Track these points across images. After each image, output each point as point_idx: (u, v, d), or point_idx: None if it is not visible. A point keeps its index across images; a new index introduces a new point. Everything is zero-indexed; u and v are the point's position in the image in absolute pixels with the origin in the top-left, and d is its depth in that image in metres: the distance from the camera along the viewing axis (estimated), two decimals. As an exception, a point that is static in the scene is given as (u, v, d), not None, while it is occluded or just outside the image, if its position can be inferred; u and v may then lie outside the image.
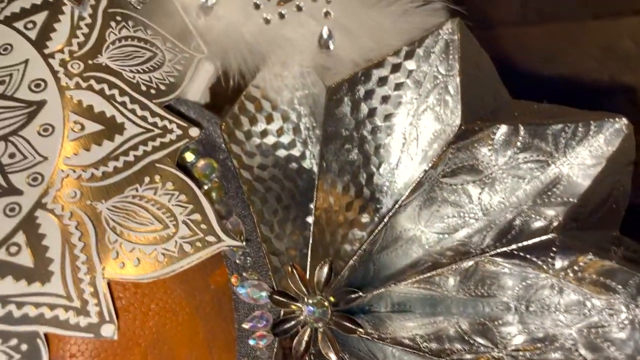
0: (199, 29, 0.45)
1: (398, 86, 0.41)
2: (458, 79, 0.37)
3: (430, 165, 0.37)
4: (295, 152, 0.44)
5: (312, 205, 0.42)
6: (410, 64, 0.41)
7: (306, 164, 0.44)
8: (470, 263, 0.35)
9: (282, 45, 0.44)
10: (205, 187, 0.41)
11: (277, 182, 0.43)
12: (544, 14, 0.61)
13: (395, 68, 0.41)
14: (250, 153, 0.43)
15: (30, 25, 0.38)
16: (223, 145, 0.43)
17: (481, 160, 0.37)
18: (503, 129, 0.36)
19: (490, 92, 0.40)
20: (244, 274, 0.40)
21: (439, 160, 0.37)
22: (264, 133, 0.44)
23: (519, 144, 0.37)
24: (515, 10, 0.61)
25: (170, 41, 0.42)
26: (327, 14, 0.43)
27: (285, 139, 0.44)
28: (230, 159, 0.42)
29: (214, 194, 0.41)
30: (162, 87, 0.40)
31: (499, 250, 0.35)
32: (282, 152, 0.44)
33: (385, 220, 0.37)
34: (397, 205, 0.37)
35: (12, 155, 0.34)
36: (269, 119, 0.44)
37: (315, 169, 0.44)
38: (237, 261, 0.40)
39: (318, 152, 0.42)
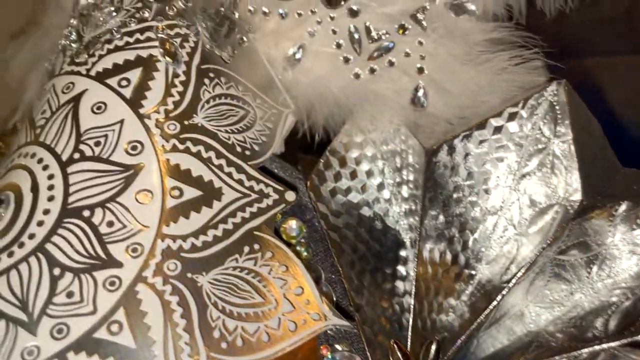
0: (285, 81, 0.43)
1: (499, 149, 0.39)
2: (572, 147, 0.35)
3: (547, 242, 0.35)
4: (380, 210, 0.42)
5: (400, 268, 0.40)
6: (512, 126, 0.38)
7: (390, 222, 0.42)
8: (597, 350, 0.32)
9: (372, 100, 0.42)
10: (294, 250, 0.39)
11: (363, 243, 0.41)
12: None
13: (497, 130, 0.38)
14: (336, 212, 0.41)
15: (124, 83, 0.36)
16: (309, 204, 0.41)
17: (597, 237, 0.35)
18: (625, 205, 0.34)
19: (601, 159, 0.37)
20: (335, 345, 0.38)
21: (556, 237, 0.35)
22: (348, 190, 0.42)
23: (638, 220, 0.34)
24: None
25: (259, 97, 0.40)
26: (420, 70, 0.41)
27: (370, 197, 0.42)
28: (317, 219, 0.40)
29: (302, 257, 0.39)
30: (256, 147, 0.38)
31: (628, 340, 0.33)
32: (366, 211, 0.42)
33: (498, 299, 0.35)
34: (510, 285, 0.35)
35: (110, 224, 0.33)
36: (353, 175, 0.42)
37: (399, 228, 0.42)
38: (328, 331, 0.38)
39: (412, 217, 0.40)
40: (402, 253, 0.41)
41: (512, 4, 0.41)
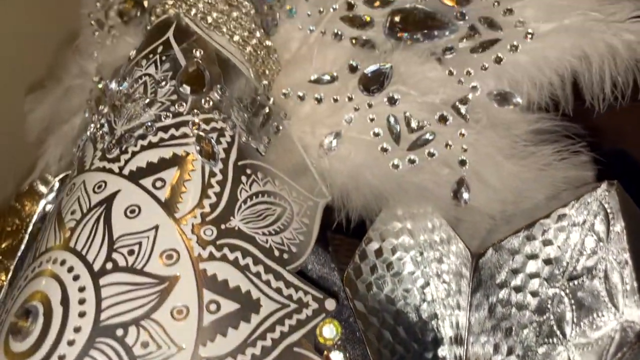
0: (321, 169, 0.41)
1: (548, 251, 0.37)
2: (629, 261, 0.33)
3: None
4: (417, 304, 0.40)
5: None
6: (561, 229, 0.36)
7: (428, 317, 0.40)
8: None
9: (411, 192, 0.40)
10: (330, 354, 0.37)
11: (402, 344, 0.39)
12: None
13: (546, 232, 0.36)
14: (373, 309, 0.39)
15: (159, 184, 0.34)
16: (345, 300, 0.39)
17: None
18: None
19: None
20: None
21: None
22: (385, 283, 0.40)
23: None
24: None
25: (295, 190, 0.38)
26: (462, 162, 0.39)
27: (406, 290, 0.40)
28: (355, 319, 0.38)
29: (340, 360, 0.37)
30: (293, 249, 0.36)
31: None
32: (403, 306, 0.40)
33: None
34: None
35: (145, 345, 0.30)
36: (390, 267, 0.40)
37: (438, 325, 0.40)
38: None
39: (452, 314, 0.38)
40: (441, 352, 0.39)
41: (558, 94, 0.39)
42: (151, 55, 0.38)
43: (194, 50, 0.38)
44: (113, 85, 0.40)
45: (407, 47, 0.41)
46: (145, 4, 0.53)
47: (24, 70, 0.72)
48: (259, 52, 0.41)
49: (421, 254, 0.40)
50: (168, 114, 0.36)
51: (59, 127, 0.58)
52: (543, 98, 0.39)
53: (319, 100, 0.42)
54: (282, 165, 0.40)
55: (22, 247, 0.55)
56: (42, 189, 0.60)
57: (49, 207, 0.56)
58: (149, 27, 0.42)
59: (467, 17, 0.41)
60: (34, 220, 0.57)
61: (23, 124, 0.65)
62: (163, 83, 0.37)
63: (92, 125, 0.39)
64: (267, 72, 0.42)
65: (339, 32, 0.43)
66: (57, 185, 0.55)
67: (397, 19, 0.42)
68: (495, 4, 0.41)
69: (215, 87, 0.37)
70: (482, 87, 0.40)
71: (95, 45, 0.57)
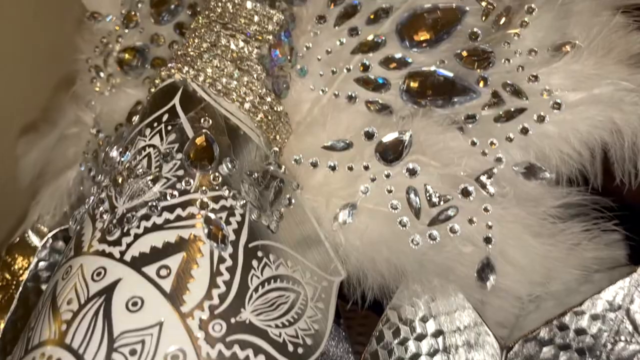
0: (334, 242, 0.38)
1: (580, 341, 0.34)
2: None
3: None
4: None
5: None
6: (595, 317, 0.34)
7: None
8: None
9: (432, 271, 0.37)
10: None
11: None
12: None
13: (579, 321, 0.34)
14: (392, 398, 0.36)
15: (163, 273, 0.31)
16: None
17: None
18: None
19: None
20: None
21: None
22: (403, 365, 0.37)
23: None
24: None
25: (309, 270, 0.36)
26: (487, 240, 0.37)
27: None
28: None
29: None
30: (308, 341, 0.33)
31: None
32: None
33: None
34: None
35: None
36: (407, 349, 0.37)
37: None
38: None
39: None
40: None
41: (587, 169, 0.37)
42: (156, 124, 0.36)
43: (202, 120, 0.35)
44: (114, 154, 0.37)
45: (427, 113, 0.39)
46: (147, 54, 0.51)
47: (17, 110, 0.69)
48: (270, 118, 0.38)
49: (443, 338, 0.37)
50: (174, 191, 0.33)
51: (53, 178, 0.55)
52: (572, 171, 0.37)
53: (333, 168, 0.39)
54: (294, 239, 0.37)
55: (12, 307, 0.52)
56: (35, 240, 0.57)
57: (41, 264, 0.53)
58: (153, 90, 0.39)
59: (489, 82, 0.39)
60: (25, 278, 0.54)
61: (14, 166, 0.62)
62: (169, 157, 0.34)
63: (92, 197, 0.36)
64: (278, 137, 0.39)
65: (354, 95, 0.41)
66: (50, 241, 0.52)
67: (414, 83, 0.40)
68: (520, 69, 0.38)
69: (225, 160, 0.35)
70: (507, 159, 0.37)
71: (93, 93, 0.54)
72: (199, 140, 0.34)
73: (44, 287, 0.53)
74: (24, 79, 0.68)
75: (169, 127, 0.35)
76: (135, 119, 0.38)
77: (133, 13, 0.52)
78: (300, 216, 0.38)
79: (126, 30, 0.52)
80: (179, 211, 0.33)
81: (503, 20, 0.40)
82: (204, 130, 0.35)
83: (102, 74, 0.53)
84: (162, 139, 0.35)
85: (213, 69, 0.37)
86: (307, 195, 0.39)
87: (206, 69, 0.37)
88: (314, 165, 0.39)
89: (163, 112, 0.36)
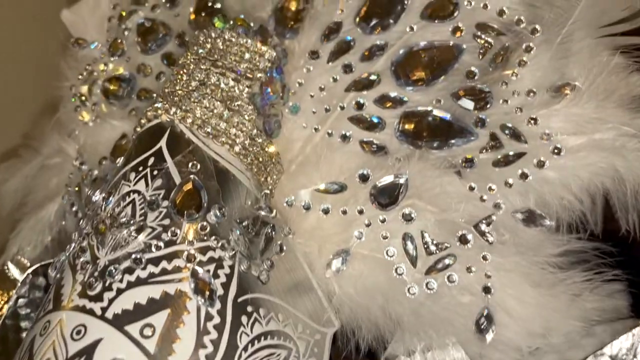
0: (327, 290, 0.37)
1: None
2: None
3: None
4: None
5: None
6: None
7: None
8: None
9: (428, 321, 0.35)
10: None
11: None
12: None
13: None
14: None
15: (147, 332, 0.29)
16: None
17: None
18: None
19: None
20: None
21: None
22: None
23: None
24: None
25: (301, 322, 0.34)
26: (486, 289, 0.35)
27: None
28: None
29: None
30: (301, 401, 0.31)
31: None
32: None
33: None
34: None
35: None
36: (404, 400, 0.36)
37: None
38: None
39: None
40: None
41: (588, 215, 0.36)
42: (141, 168, 0.34)
43: (189, 164, 0.34)
44: (97, 198, 0.35)
45: (423, 155, 0.37)
46: (134, 84, 0.49)
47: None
48: (260, 160, 0.37)
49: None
50: (159, 242, 0.31)
51: (34, 210, 0.53)
52: (573, 218, 0.36)
53: (326, 212, 0.37)
54: (285, 287, 0.35)
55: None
56: (15, 273, 0.55)
57: (21, 301, 0.51)
58: (138, 130, 0.37)
59: (487, 124, 0.38)
60: (4, 314, 0.51)
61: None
62: (154, 205, 0.32)
63: (73, 244, 0.34)
64: (268, 179, 0.38)
65: (348, 134, 0.39)
66: (30, 277, 0.50)
67: (410, 124, 0.38)
68: (518, 110, 0.37)
69: (213, 207, 0.33)
70: (506, 205, 0.36)
71: (77, 123, 0.52)
72: (187, 186, 0.33)
73: (23, 324, 0.50)
74: (5, 104, 0.65)
75: (155, 172, 0.33)
76: (120, 160, 0.36)
77: (119, 41, 0.50)
78: (291, 262, 0.36)
79: (112, 59, 0.51)
80: (164, 264, 0.31)
81: (501, 59, 0.39)
82: (191, 176, 0.33)
83: (87, 103, 0.51)
84: (147, 185, 0.33)
85: (202, 109, 0.35)
86: (299, 239, 0.37)
87: (195, 110, 0.35)
88: (306, 208, 0.37)
89: (149, 155, 0.34)
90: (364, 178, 0.37)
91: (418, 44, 0.40)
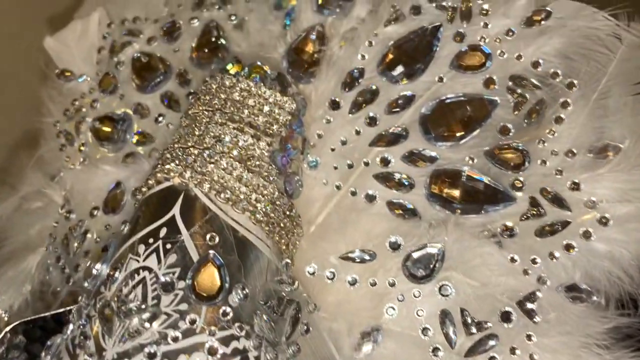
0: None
1: None
2: None
3: None
4: None
5: None
6: None
7: None
8: None
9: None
10: None
11: None
12: None
13: None
14: None
15: None
16: None
17: None
18: None
19: None
20: None
21: None
22: None
23: None
24: None
25: None
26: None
27: None
28: None
29: None
30: None
31: None
32: None
33: None
34: None
35: None
36: None
37: None
38: None
39: None
40: None
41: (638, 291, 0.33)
42: (151, 240, 0.30)
43: (207, 236, 0.30)
44: (98, 271, 0.31)
45: (458, 221, 0.34)
46: (129, 126, 0.45)
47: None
48: (282, 226, 0.33)
49: None
50: (176, 332, 0.27)
51: (13, 260, 0.47)
52: (621, 293, 0.33)
53: (353, 283, 0.34)
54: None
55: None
56: (-12, 325, 0.49)
57: (-3, 364, 0.45)
58: (145, 190, 0.33)
59: (525, 187, 0.35)
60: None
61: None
62: (169, 286, 0.28)
63: (71, 326, 0.30)
64: (289, 245, 0.34)
65: (373, 194, 0.36)
66: (7, 336, 0.45)
67: (442, 185, 0.35)
68: (558, 172, 0.34)
69: (236, 288, 0.29)
70: (551, 279, 0.33)
71: (63, 163, 0.47)
72: (206, 265, 0.29)
73: (-2, 389, 0.45)
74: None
75: (168, 246, 0.29)
76: (125, 228, 0.31)
77: (111, 75, 0.46)
78: (317, 342, 0.32)
79: (102, 95, 0.46)
80: (182, 359, 0.27)
81: (536, 114, 0.36)
82: (210, 252, 0.29)
83: (74, 143, 0.46)
84: (159, 261, 0.29)
85: (219, 171, 0.31)
86: (324, 314, 0.33)
87: (212, 173, 0.31)
88: (331, 278, 0.34)
89: (160, 224, 0.30)
90: (394, 246, 0.34)
91: (448, 96, 0.37)
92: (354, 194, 0.36)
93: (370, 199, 0.36)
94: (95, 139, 0.45)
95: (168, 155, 0.33)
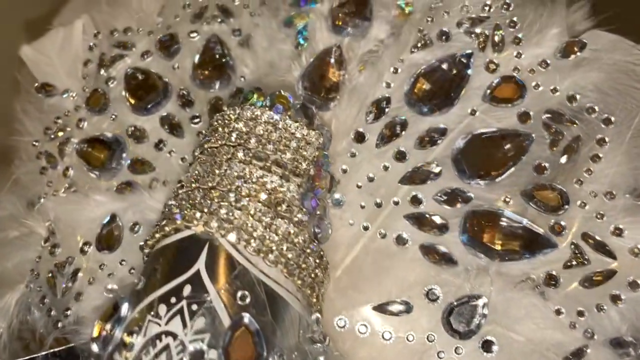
0: None
1: None
2: None
3: None
4: None
5: None
6: None
7: None
8: None
9: None
10: None
11: None
12: None
13: None
14: None
15: None
16: None
17: None
18: None
19: None
20: None
21: None
22: None
23: None
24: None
25: None
26: None
27: None
28: None
29: None
30: None
31: None
32: None
33: None
34: None
35: None
36: None
37: None
38: None
39: None
40: None
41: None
42: (173, 300, 0.26)
43: (237, 294, 0.26)
44: (109, 331, 0.27)
45: (500, 269, 0.32)
46: (123, 151, 0.40)
47: None
48: (313, 276, 0.30)
49: None
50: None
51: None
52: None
53: (388, 338, 0.31)
54: None
55: None
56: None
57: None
58: (158, 236, 0.29)
59: (565, 230, 0.33)
60: None
61: None
62: (198, 355, 0.24)
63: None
64: (320, 298, 0.31)
65: (405, 236, 0.33)
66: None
67: (479, 229, 0.33)
68: (599, 216, 0.33)
69: (273, 355, 0.26)
70: (599, 334, 0.31)
71: (44, 189, 0.42)
72: (240, 332, 0.25)
73: None
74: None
75: (194, 307, 0.26)
76: (139, 283, 0.28)
77: (101, 92, 0.41)
78: None
79: (90, 113, 0.41)
80: None
81: (572, 152, 0.34)
82: (244, 316, 0.26)
83: (57, 166, 0.42)
84: (185, 325, 0.25)
85: (247, 219, 0.28)
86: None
87: (239, 221, 0.28)
88: (364, 332, 0.31)
89: (183, 281, 0.26)
90: (432, 297, 0.31)
91: (482, 131, 0.34)
92: (383, 235, 0.33)
93: (402, 241, 0.33)
94: (83, 164, 0.40)
95: (185, 197, 0.29)
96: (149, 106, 0.40)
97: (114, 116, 0.41)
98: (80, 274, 0.37)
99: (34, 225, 0.41)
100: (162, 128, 0.39)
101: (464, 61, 0.36)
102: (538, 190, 0.33)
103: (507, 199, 0.33)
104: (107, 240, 0.37)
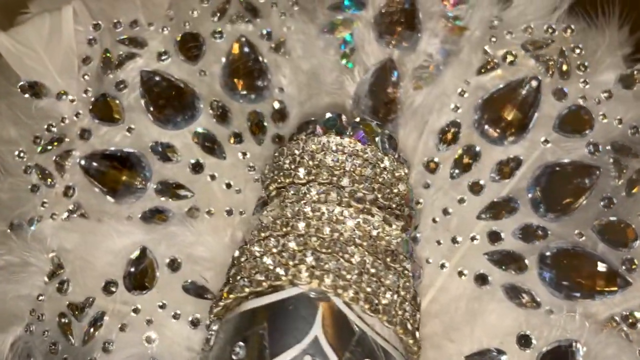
0: None
1: None
2: None
3: None
4: None
5: None
6: None
7: None
8: None
9: None
10: None
11: None
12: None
13: None
14: None
15: None
16: None
17: None
18: None
19: None
20: None
21: None
22: None
23: None
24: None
25: None
26: None
27: None
28: None
29: None
30: None
31: None
32: None
33: None
34: None
35: None
36: None
37: None
38: None
39: None
40: None
41: None
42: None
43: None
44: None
45: (587, 311, 0.31)
46: (148, 169, 0.34)
47: None
48: (416, 327, 0.27)
49: None
50: None
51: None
52: None
53: (483, 388, 0.29)
54: None
55: None
56: None
57: None
58: (248, 292, 0.24)
59: (637, 267, 0.32)
60: None
61: None
62: None
63: None
64: (420, 350, 0.28)
65: (486, 275, 0.31)
66: None
67: (560, 268, 0.31)
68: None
69: None
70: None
71: (37, 210, 0.35)
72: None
73: None
74: None
75: (319, 384, 0.22)
76: (240, 351, 0.23)
77: (109, 98, 0.35)
78: None
79: (97, 123, 0.35)
80: None
81: (635, 185, 0.34)
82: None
83: (54, 183, 0.35)
84: (312, 407, 0.22)
85: (357, 270, 0.24)
86: None
87: (353, 277, 0.24)
88: (459, 383, 0.29)
89: (301, 352, 0.22)
90: (526, 343, 0.30)
91: (557, 163, 0.33)
92: (462, 274, 0.31)
93: (482, 281, 0.31)
94: (93, 183, 0.34)
95: (276, 244, 0.25)
96: (177, 119, 0.34)
97: (130, 129, 0.35)
98: (106, 318, 0.31)
99: (25, 254, 0.34)
100: (197, 146, 0.34)
101: (534, 87, 0.34)
102: (608, 225, 0.33)
103: (581, 235, 0.32)
104: (141, 278, 0.31)
